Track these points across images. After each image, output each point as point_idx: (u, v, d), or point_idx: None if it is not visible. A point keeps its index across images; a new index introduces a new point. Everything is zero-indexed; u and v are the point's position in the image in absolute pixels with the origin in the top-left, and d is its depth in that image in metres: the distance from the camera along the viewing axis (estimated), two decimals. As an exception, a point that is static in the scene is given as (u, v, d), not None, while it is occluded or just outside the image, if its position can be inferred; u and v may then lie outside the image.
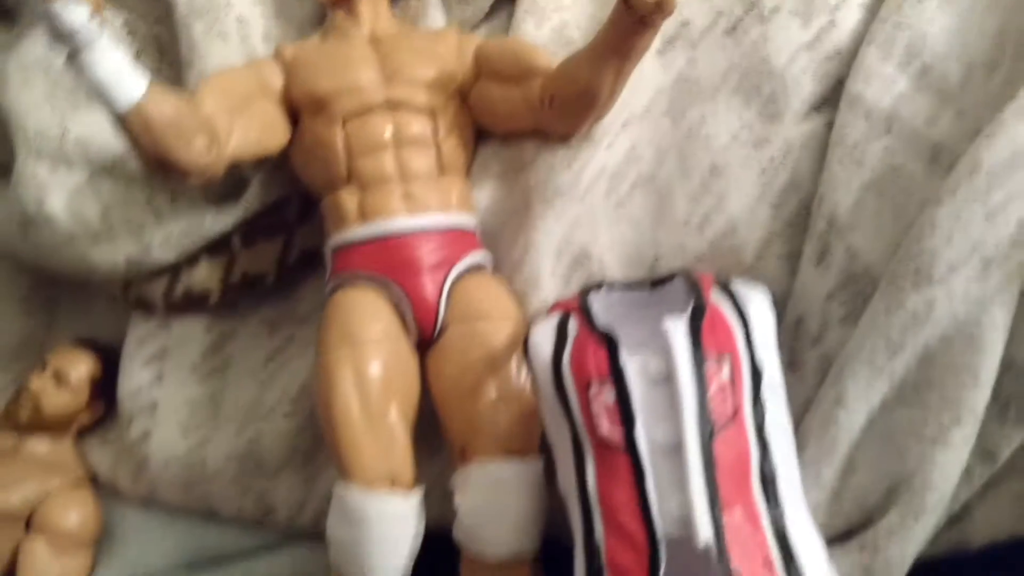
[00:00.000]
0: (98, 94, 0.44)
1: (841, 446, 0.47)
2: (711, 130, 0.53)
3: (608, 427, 0.42)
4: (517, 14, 0.59)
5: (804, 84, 0.52)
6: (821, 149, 0.51)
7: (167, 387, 0.60)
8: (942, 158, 0.47)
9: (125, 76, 0.44)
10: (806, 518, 0.43)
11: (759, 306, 0.46)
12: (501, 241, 0.55)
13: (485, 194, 0.56)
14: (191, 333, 0.60)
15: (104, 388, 0.63)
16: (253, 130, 0.51)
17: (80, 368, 0.62)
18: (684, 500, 0.40)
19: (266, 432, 0.57)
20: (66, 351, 0.62)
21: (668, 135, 0.54)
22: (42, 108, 0.57)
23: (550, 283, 0.53)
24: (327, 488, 0.57)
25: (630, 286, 0.51)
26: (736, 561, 0.39)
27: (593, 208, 0.54)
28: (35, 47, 0.59)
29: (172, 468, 0.58)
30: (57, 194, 0.56)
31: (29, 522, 0.59)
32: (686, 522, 0.40)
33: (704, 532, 0.39)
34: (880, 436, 0.46)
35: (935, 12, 0.50)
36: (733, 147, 0.52)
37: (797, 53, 0.52)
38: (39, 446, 0.61)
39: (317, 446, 0.58)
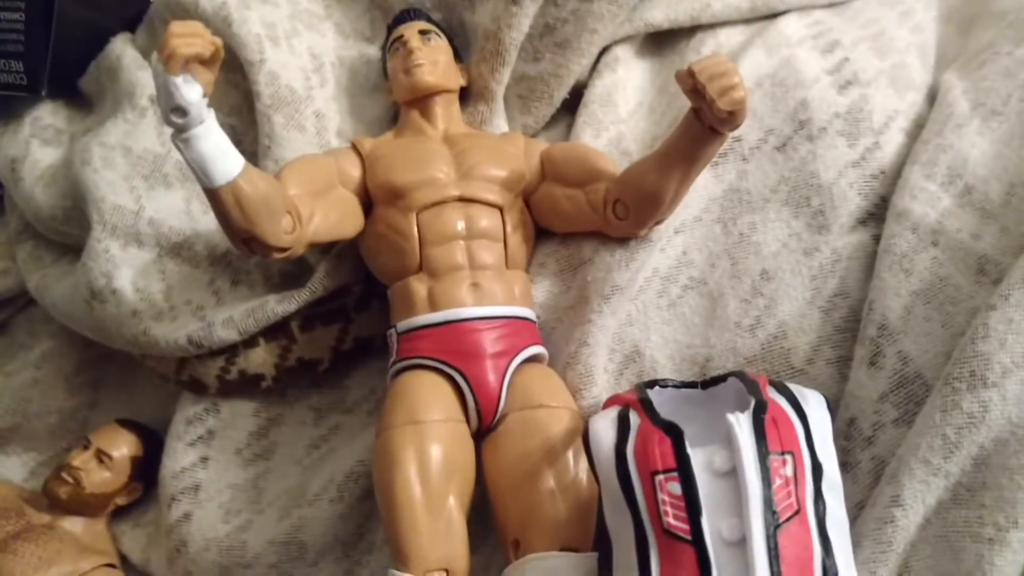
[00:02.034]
0: (199, 168, 0.45)
1: (897, 546, 0.47)
2: (761, 238, 0.55)
3: (674, 518, 0.43)
4: (576, 124, 0.62)
5: (851, 199, 0.55)
6: (868, 260, 0.53)
7: (211, 469, 0.59)
8: (988, 269, 0.49)
9: (225, 153, 0.46)
10: (866, 617, 0.43)
11: (816, 405, 0.47)
12: (555, 336, 0.56)
13: (541, 290, 0.57)
14: (239, 416, 0.60)
15: (143, 470, 0.62)
16: (332, 214, 0.52)
17: (122, 448, 0.62)
18: (749, 594, 0.40)
19: (309, 519, 0.56)
20: (109, 431, 0.63)
21: (719, 241, 0.56)
22: (120, 187, 0.59)
23: (603, 378, 0.54)
24: (367, 579, 0.56)
25: (683, 384, 0.52)
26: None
27: (645, 308, 0.55)
28: (116, 130, 0.61)
29: (211, 551, 0.57)
30: (125, 270, 0.57)
31: (59, 604, 0.58)
32: (751, 616, 0.40)
33: (769, 626, 0.39)
34: (936, 537, 0.46)
35: (975, 137, 0.53)
36: (783, 254, 0.55)
37: (844, 170, 0.55)
38: (74, 526, 0.61)
39: (360, 535, 0.57)
